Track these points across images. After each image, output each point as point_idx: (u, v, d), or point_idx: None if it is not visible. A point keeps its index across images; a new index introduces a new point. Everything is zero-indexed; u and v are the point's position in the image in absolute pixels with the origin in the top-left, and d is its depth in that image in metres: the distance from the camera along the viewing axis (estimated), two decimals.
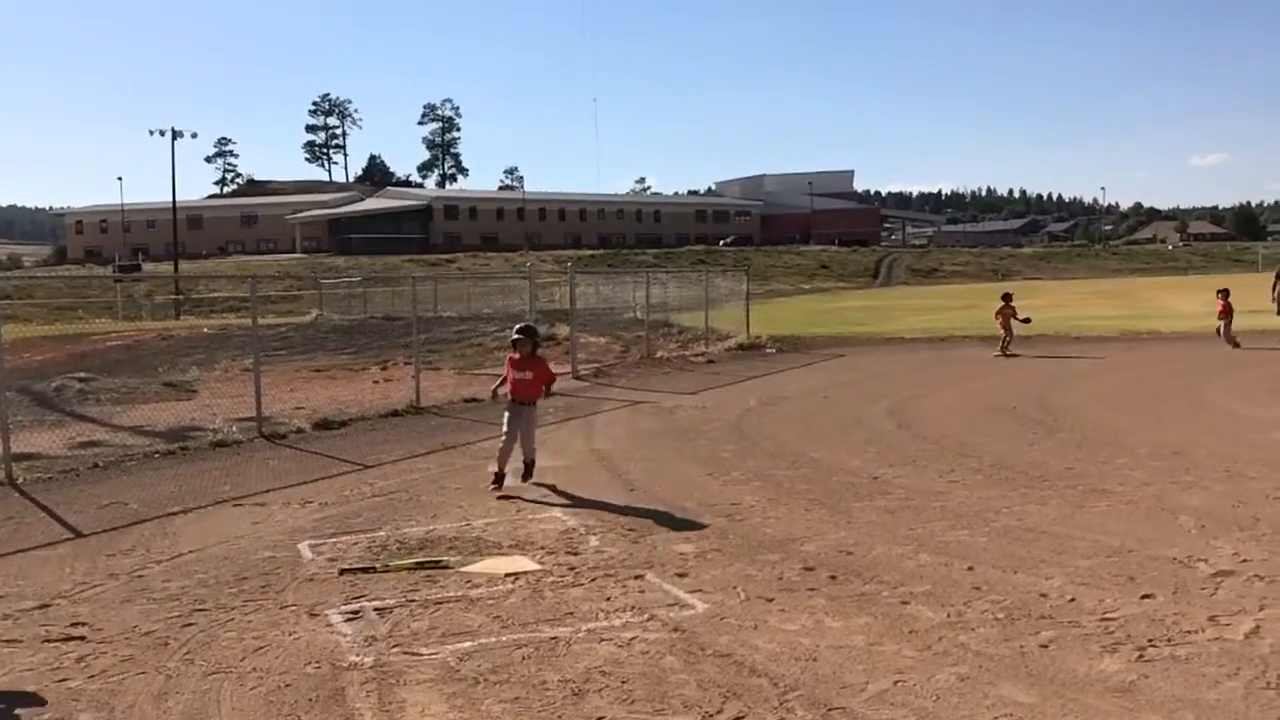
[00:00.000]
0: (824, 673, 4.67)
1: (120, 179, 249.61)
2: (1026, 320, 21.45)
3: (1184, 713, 4.14)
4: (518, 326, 9.68)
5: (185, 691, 4.69)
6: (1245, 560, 6.19)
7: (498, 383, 9.50)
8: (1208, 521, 7.15)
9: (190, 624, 5.62)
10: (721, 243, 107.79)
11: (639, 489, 8.93)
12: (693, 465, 10.06)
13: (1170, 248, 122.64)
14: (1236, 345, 20.44)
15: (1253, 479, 8.48)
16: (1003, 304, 21.41)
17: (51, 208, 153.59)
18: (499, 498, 8.65)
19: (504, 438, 9.04)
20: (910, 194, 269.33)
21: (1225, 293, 21.44)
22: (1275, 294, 22.16)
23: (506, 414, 9.12)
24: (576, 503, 8.42)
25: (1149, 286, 56.05)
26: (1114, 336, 24.85)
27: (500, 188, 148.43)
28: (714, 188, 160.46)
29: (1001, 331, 21.16)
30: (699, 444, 11.31)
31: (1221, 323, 21.13)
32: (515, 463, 9.14)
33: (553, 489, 8.95)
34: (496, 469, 8.98)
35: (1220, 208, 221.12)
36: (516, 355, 9.27)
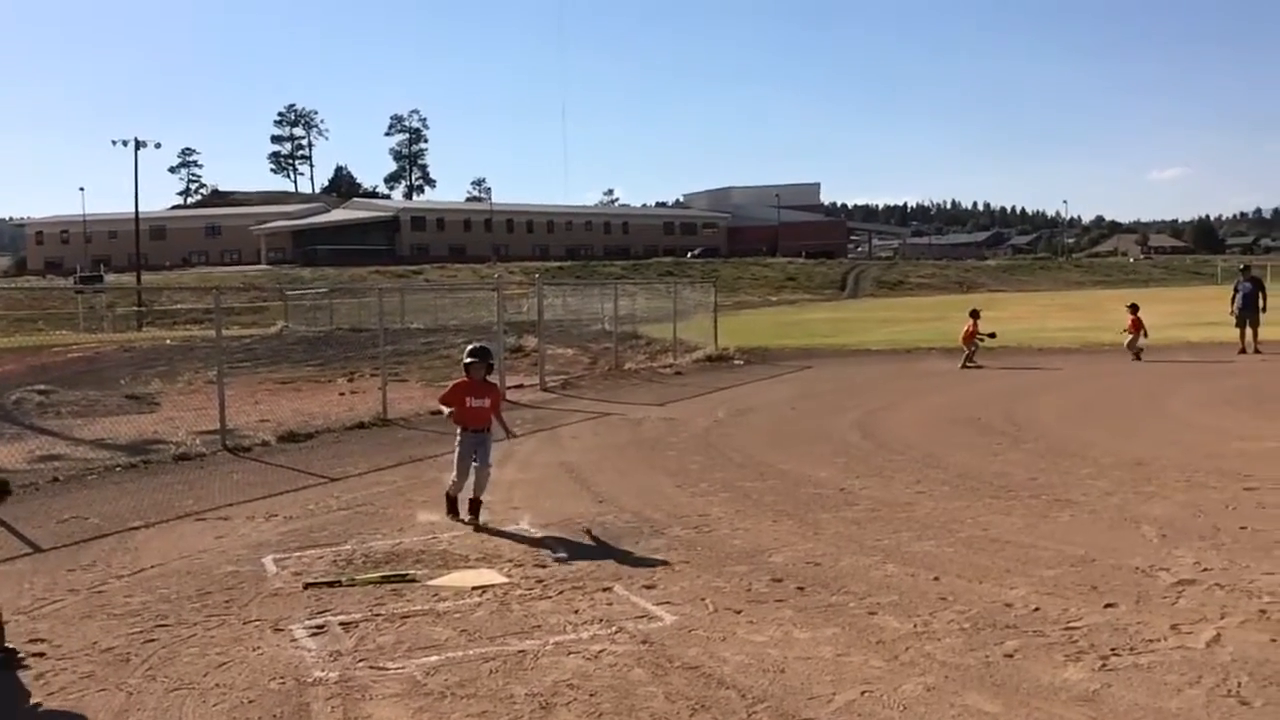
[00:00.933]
0: (792, 684, 4.68)
1: (82, 189, 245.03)
2: (991, 335, 21.74)
3: None
4: (471, 347, 8.49)
5: (147, 709, 4.62)
6: (1206, 569, 6.27)
7: (445, 410, 8.39)
8: (1169, 531, 7.23)
9: (152, 640, 5.54)
10: (689, 254, 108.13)
11: (607, 500, 8.91)
12: (661, 476, 10.06)
13: (1131, 260, 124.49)
14: (1138, 358, 21.14)
15: (1213, 489, 8.59)
16: (971, 322, 21.67)
17: (11, 218, 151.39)
18: (463, 522, 8.04)
19: (454, 476, 8.23)
20: (876, 207, 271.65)
21: (1135, 308, 22.24)
22: (1234, 307, 22.49)
23: (459, 448, 8.21)
24: (544, 515, 8.39)
25: (1111, 299, 56.60)
26: (1077, 348, 25.14)
27: (468, 199, 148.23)
28: (682, 200, 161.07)
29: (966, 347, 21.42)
30: (667, 455, 11.32)
31: (1130, 337, 21.79)
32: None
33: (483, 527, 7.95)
34: (450, 499, 8.26)
35: (1180, 221, 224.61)
36: (470, 379, 8.32)
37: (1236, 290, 22.69)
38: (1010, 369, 20.45)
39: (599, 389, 19.12)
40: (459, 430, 8.24)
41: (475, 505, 8.07)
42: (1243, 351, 21.54)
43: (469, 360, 8.31)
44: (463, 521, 8.03)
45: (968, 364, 20.88)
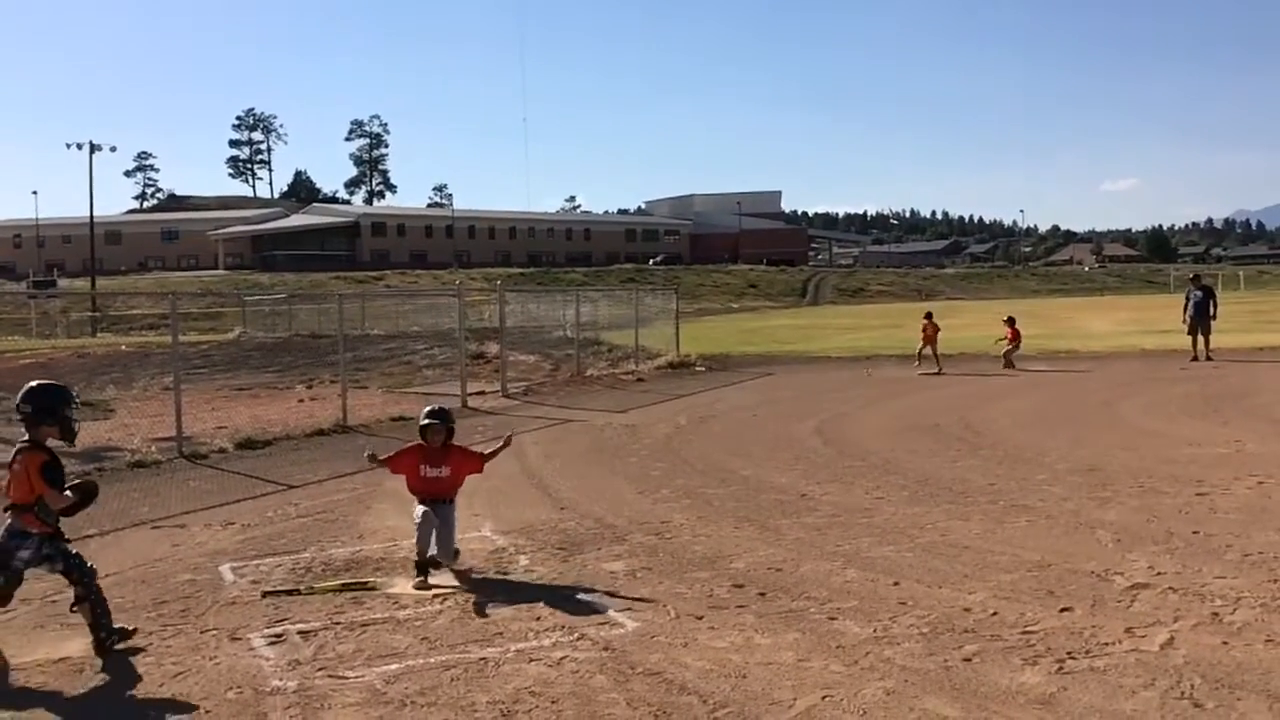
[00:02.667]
0: (753, 689, 4.70)
1: (35, 193, 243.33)
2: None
3: None
4: (428, 409, 7.14)
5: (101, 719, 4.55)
6: (1160, 573, 6.36)
7: (384, 458, 7.14)
8: (1123, 536, 7.34)
9: (106, 649, 5.45)
10: (651, 261, 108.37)
11: (569, 507, 8.90)
12: (623, 483, 10.06)
13: (1086, 269, 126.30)
14: (1011, 366, 21.53)
15: (1166, 494, 8.73)
16: (926, 322, 22.08)
17: None
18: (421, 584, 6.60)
19: (418, 535, 6.71)
20: (837, 215, 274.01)
21: (1012, 320, 22.83)
22: (1186, 315, 22.88)
23: (419, 510, 6.85)
24: (506, 522, 8.36)
25: (1066, 307, 57.53)
26: (1033, 355, 25.43)
27: (429, 205, 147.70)
28: (644, 207, 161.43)
29: (928, 350, 21.70)
30: (629, 462, 11.32)
31: (1010, 347, 22.26)
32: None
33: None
34: (418, 559, 6.70)
35: (1134, 230, 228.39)
36: (424, 444, 7.00)
37: (1188, 299, 23.08)
38: (968, 375, 20.66)
39: (561, 395, 19.09)
40: (415, 499, 7.00)
41: (453, 557, 6.81)
42: (1195, 359, 21.90)
43: (425, 423, 7.02)
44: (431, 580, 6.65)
45: (928, 368, 21.20)
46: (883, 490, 9.28)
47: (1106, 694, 4.53)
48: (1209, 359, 21.80)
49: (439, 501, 6.87)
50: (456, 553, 6.79)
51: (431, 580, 6.57)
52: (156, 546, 7.71)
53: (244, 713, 4.58)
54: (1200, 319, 22.48)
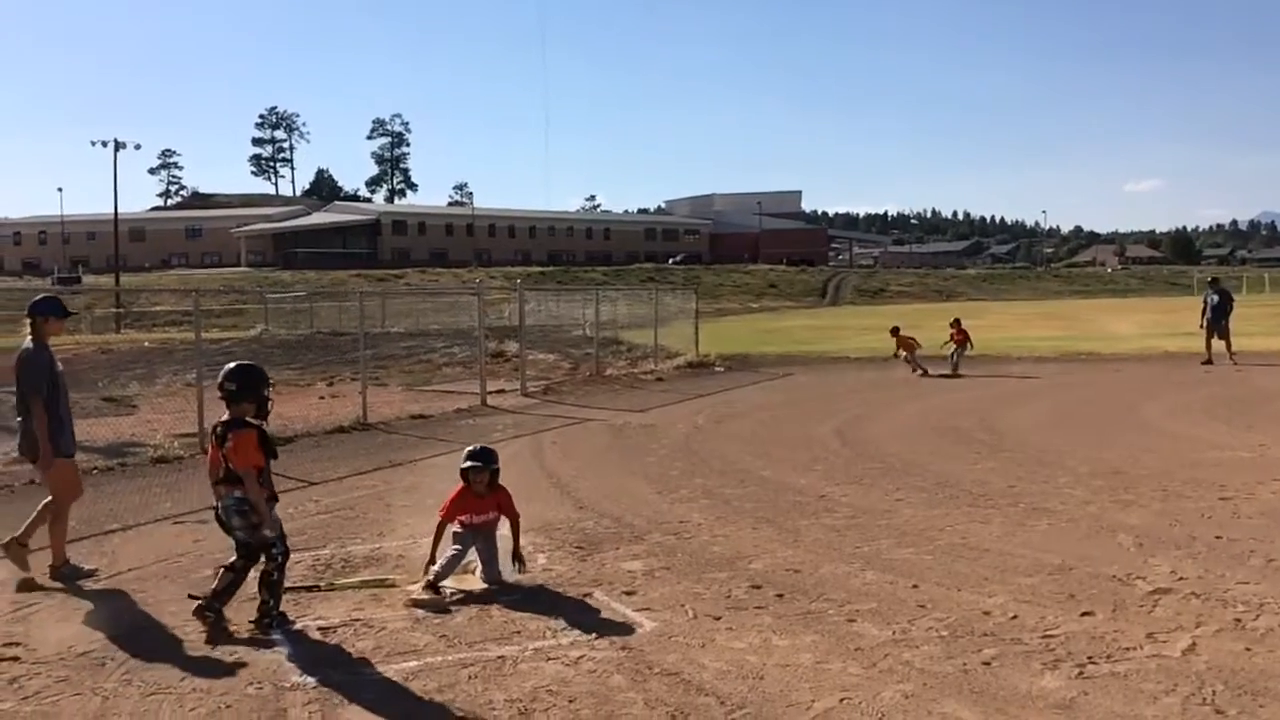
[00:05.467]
0: (771, 691, 4.69)
1: (60, 190, 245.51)
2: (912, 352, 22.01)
3: None
4: (470, 449, 6.74)
5: (123, 713, 4.59)
6: (1182, 578, 6.31)
7: (434, 548, 6.43)
8: (1146, 540, 7.28)
9: (128, 643, 5.50)
10: (671, 261, 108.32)
11: (587, 506, 8.90)
12: (641, 482, 10.06)
13: (1109, 270, 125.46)
14: (956, 374, 20.95)
15: (1189, 498, 8.66)
16: (953, 330, 21.86)
17: None
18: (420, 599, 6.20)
19: (444, 562, 6.33)
20: (857, 215, 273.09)
21: (957, 322, 22.30)
22: (1204, 319, 22.70)
23: (453, 536, 6.53)
24: (524, 520, 8.35)
25: (1089, 308, 57.19)
26: (1055, 357, 25.31)
27: (449, 203, 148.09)
28: (664, 206, 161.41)
29: (952, 348, 21.57)
30: (648, 461, 11.32)
31: (955, 346, 21.74)
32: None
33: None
34: (434, 580, 6.28)
35: (1157, 232, 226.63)
36: (467, 488, 6.56)
37: (1205, 302, 22.92)
38: (989, 377, 20.56)
39: (580, 394, 19.11)
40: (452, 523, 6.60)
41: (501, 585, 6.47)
42: (1208, 362, 21.73)
43: (466, 465, 6.58)
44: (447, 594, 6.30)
45: (952, 371, 21.09)
46: (902, 492, 9.25)
47: (1127, 699, 4.50)
48: (1232, 361, 21.61)
49: (482, 530, 6.57)
50: (520, 563, 6.52)
51: (449, 585, 6.45)
52: (179, 542, 7.77)
53: (264, 708, 4.61)
54: (1217, 322, 22.31)
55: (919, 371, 21.17)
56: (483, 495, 6.59)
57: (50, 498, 7.05)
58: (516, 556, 6.56)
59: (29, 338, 7.04)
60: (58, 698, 4.78)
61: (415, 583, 6.51)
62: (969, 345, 21.91)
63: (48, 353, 7.06)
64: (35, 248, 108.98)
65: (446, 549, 6.41)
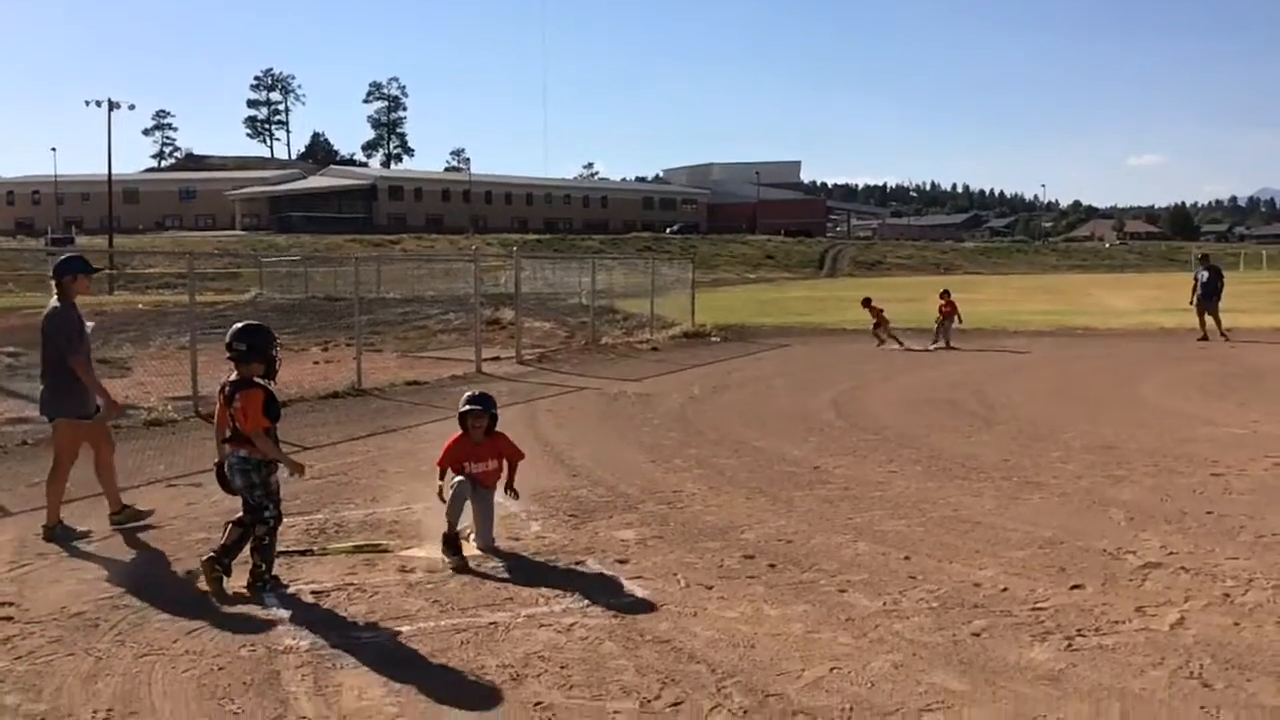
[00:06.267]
0: (761, 659, 4.71)
1: (54, 150, 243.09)
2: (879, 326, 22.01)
3: (1110, 701, 4.23)
4: (468, 395, 6.69)
5: (115, 674, 4.61)
6: (1172, 553, 6.34)
7: (440, 483, 6.53)
8: (1137, 515, 7.31)
9: (121, 605, 5.52)
10: (668, 230, 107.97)
11: (581, 475, 8.92)
12: (635, 452, 10.08)
13: (1107, 245, 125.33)
14: (949, 347, 20.97)
15: (1181, 474, 8.69)
16: (942, 301, 21.81)
17: None
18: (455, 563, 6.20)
19: (448, 508, 6.31)
20: (856, 186, 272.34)
21: (947, 294, 22.18)
22: (1194, 295, 22.69)
23: (454, 483, 6.46)
24: (518, 488, 8.37)
25: (1086, 283, 57.17)
26: (1051, 331, 25.33)
27: (446, 169, 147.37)
28: (662, 175, 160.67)
29: (939, 324, 21.56)
30: (642, 431, 11.33)
31: (941, 319, 21.60)
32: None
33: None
34: (448, 533, 6.27)
35: (1156, 207, 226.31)
36: (465, 435, 6.57)
37: (1196, 278, 22.90)
38: (984, 351, 20.58)
39: (575, 363, 19.11)
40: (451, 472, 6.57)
41: (490, 550, 6.45)
42: (1204, 338, 21.75)
43: (465, 409, 6.57)
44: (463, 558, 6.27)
45: (946, 345, 21.07)
46: (896, 464, 9.27)
47: (1115, 672, 4.53)
48: (1225, 338, 21.63)
49: (480, 486, 6.51)
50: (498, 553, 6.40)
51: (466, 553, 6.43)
52: (172, 504, 7.77)
53: (257, 670, 4.63)
54: (1207, 299, 22.30)
55: (890, 344, 21.22)
56: (480, 442, 6.58)
57: (98, 457, 7.23)
58: (509, 487, 6.68)
59: (55, 298, 7.10)
60: (51, 658, 4.80)
61: (409, 548, 6.54)
62: (957, 319, 21.82)
63: (77, 311, 7.17)
64: (29, 208, 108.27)
65: (450, 498, 6.35)
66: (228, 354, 5.87)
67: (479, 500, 6.48)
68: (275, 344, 5.99)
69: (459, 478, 6.47)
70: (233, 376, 5.87)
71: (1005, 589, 5.68)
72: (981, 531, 6.91)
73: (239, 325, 5.97)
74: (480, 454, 6.57)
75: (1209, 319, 22.19)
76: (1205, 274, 22.54)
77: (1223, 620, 5.15)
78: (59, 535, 6.86)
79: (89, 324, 7.30)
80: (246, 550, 5.81)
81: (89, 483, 7.42)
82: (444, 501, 6.37)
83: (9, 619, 5.31)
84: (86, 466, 7.30)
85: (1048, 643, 4.88)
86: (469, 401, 6.61)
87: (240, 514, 5.90)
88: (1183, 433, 10.79)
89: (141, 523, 7.18)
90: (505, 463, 6.69)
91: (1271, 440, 10.21)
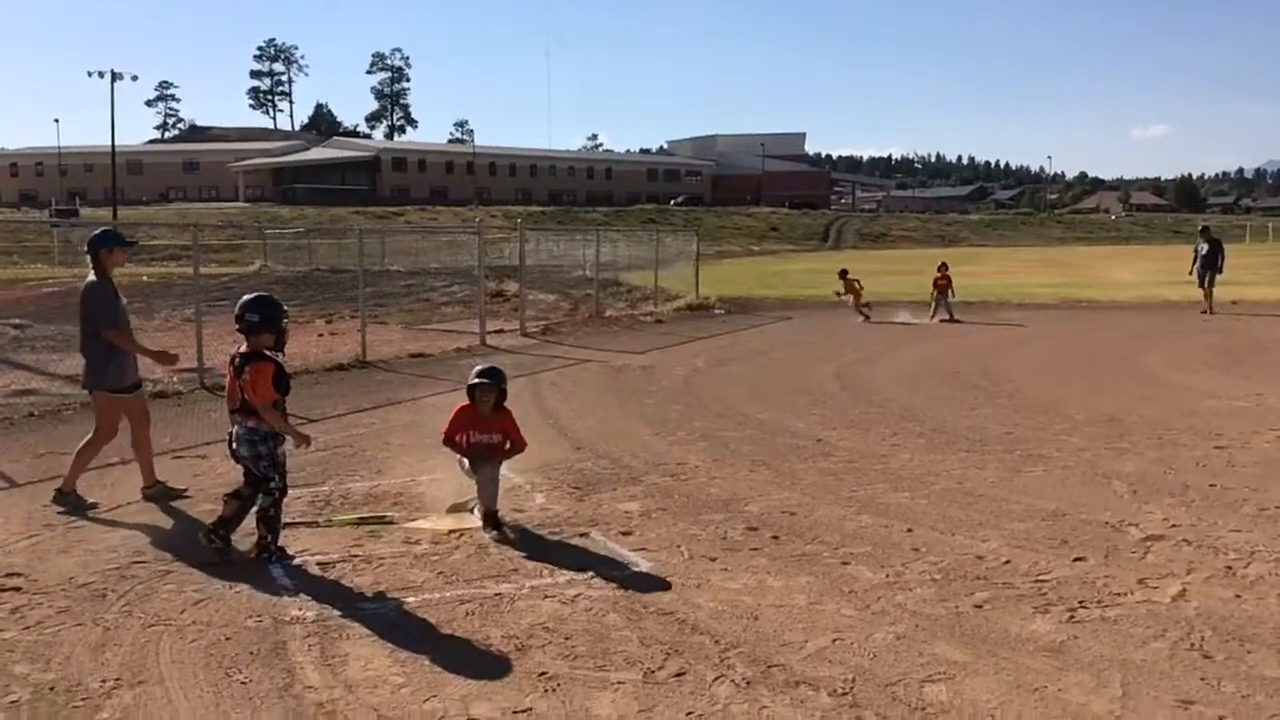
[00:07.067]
0: (765, 631, 4.74)
1: (57, 121, 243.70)
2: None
3: (1111, 672, 4.26)
4: (478, 369, 6.69)
5: (123, 644, 4.64)
6: (1175, 525, 6.36)
7: (461, 459, 6.57)
8: (1140, 487, 7.33)
9: (129, 576, 5.56)
10: (672, 202, 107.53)
11: (585, 447, 8.94)
12: (639, 424, 10.09)
13: (1113, 217, 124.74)
14: (952, 319, 20.98)
15: (1184, 446, 8.70)
16: (938, 274, 21.78)
17: None
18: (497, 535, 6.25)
19: (467, 474, 6.51)
20: (861, 158, 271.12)
21: (944, 266, 22.15)
22: (1194, 267, 22.59)
23: (463, 464, 6.59)
24: (522, 460, 8.39)
25: (1091, 255, 56.98)
26: (1055, 304, 25.28)
27: (450, 141, 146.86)
28: (666, 147, 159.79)
29: (934, 298, 21.53)
30: (646, 403, 11.35)
31: (935, 292, 21.63)
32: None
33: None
34: (483, 512, 6.39)
35: (1163, 179, 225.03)
36: (472, 406, 6.56)
37: (1196, 251, 22.79)
38: (989, 324, 20.55)
39: (579, 335, 19.10)
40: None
41: (489, 517, 6.39)
42: (1207, 311, 21.70)
43: (474, 382, 6.54)
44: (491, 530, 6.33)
45: (941, 318, 21.05)
46: (899, 437, 9.28)
47: (1116, 643, 4.55)
48: (1210, 312, 21.54)
49: (484, 458, 6.48)
50: (500, 524, 6.34)
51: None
52: (178, 476, 7.80)
53: (264, 640, 4.66)
54: (1206, 271, 22.20)
55: (862, 317, 21.30)
56: (488, 416, 6.56)
57: (134, 431, 7.29)
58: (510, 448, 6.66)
59: (91, 273, 7.16)
60: (59, 628, 4.84)
61: (414, 520, 6.57)
62: (951, 293, 21.81)
63: (113, 285, 7.22)
64: (32, 179, 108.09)
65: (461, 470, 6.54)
66: (237, 325, 5.88)
67: (483, 468, 6.48)
68: (285, 315, 6.01)
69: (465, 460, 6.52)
70: (243, 348, 5.88)
71: (1008, 561, 5.70)
72: (984, 504, 6.93)
73: (249, 296, 5.98)
74: (486, 427, 6.56)
75: (1203, 292, 22.09)
76: (1205, 246, 22.44)
77: (1224, 593, 5.17)
78: (70, 503, 6.90)
79: (122, 300, 7.35)
80: (252, 522, 5.84)
81: (103, 454, 7.44)
82: (465, 473, 6.51)
83: (17, 589, 5.34)
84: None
85: (1050, 614, 4.90)
86: (479, 375, 6.59)
87: (238, 486, 5.93)
88: (1186, 405, 10.78)
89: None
90: (508, 442, 6.64)
91: (1275, 413, 10.21)
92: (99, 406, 7.22)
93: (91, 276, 7.18)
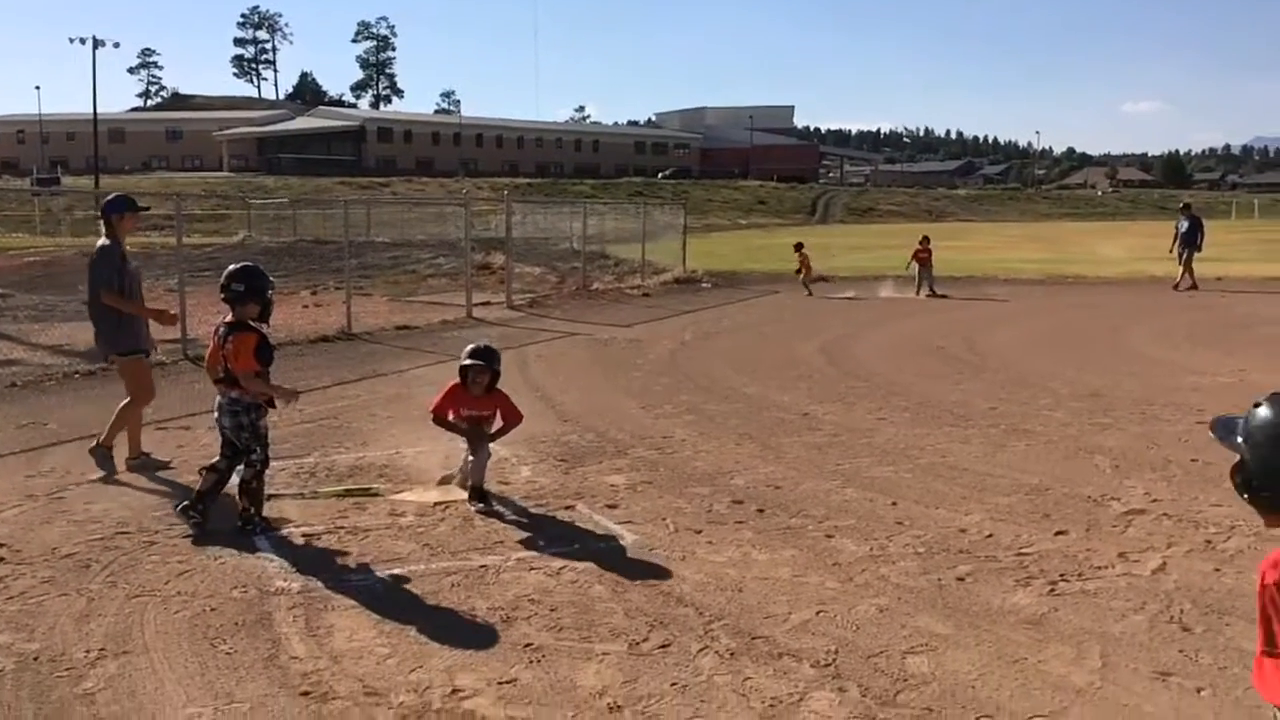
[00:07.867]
0: (749, 603, 4.77)
1: (38, 88, 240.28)
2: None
3: (1091, 644, 4.30)
4: (470, 348, 6.53)
5: (107, 614, 4.64)
6: (1156, 500, 6.41)
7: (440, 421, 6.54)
8: (1122, 462, 7.38)
9: (113, 546, 5.54)
10: (660, 175, 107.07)
11: (571, 420, 8.94)
12: (625, 398, 10.10)
13: (1100, 194, 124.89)
14: (934, 294, 21.03)
15: (1167, 422, 8.75)
16: (919, 247, 21.77)
17: None
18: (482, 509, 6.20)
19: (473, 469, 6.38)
20: (849, 132, 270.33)
21: (926, 240, 21.97)
22: (1175, 245, 22.66)
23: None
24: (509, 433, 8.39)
25: (1077, 231, 57.08)
26: (1041, 279, 25.34)
27: (436, 111, 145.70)
28: (654, 119, 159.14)
29: (916, 271, 21.52)
30: (632, 376, 11.35)
31: (917, 266, 21.50)
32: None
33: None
34: (470, 486, 6.37)
35: (1149, 155, 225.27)
36: (462, 386, 6.42)
37: (1177, 228, 22.85)
38: (975, 299, 20.60)
39: (566, 309, 19.07)
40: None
41: (476, 491, 6.31)
42: (1193, 287, 21.79)
43: (466, 363, 6.39)
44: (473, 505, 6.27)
45: (930, 292, 21.06)
46: (884, 411, 9.31)
47: (1096, 616, 4.60)
48: (1176, 288, 21.63)
49: (477, 433, 6.45)
50: (486, 497, 6.30)
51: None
52: (161, 447, 7.77)
53: (249, 611, 4.67)
54: (1186, 247, 22.27)
55: (807, 291, 21.47)
56: (480, 397, 6.48)
57: (127, 399, 7.26)
58: (494, 438, 6.64)
59: (103, 237, 7.25)
60: (43, 598, 4.83)
61: (399, 492, 6.56)
62: (929, 267, 21.75)
63: (120, 248, 7.28)
64: (13, 147, 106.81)
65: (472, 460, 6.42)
66: (222, 295, 5.87)
67: (474, 440, 6.45)
68: (271, 286, 6.01)
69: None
70: (228, 318, 5.87)
71: (990, 535, 5.74)
72: (968, 478, 6.97)
73: (235, 266, 5.97)
74: (478, 405, 6.48)
75: (1198, 266, 22.18)
76: (1185, 223, 22.48)
77: (1204, 566, 5.22)
78: (141, 465, 7.10)
79: (131, 263, 7.35)
80: (236, 494, 5.84)
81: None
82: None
83: (1, 559, 5.33)
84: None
85: (1031, 587, 4.94)
86: (471, 355, 6.43)
87: (215, 460, 5.92)
88: (1170, 381, 10.85)
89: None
90: (501, 419, 6.60)
91: (1258, 389, 10.15)
92: (125, 372, 7.30)
93: (103, 240, 7.24)
